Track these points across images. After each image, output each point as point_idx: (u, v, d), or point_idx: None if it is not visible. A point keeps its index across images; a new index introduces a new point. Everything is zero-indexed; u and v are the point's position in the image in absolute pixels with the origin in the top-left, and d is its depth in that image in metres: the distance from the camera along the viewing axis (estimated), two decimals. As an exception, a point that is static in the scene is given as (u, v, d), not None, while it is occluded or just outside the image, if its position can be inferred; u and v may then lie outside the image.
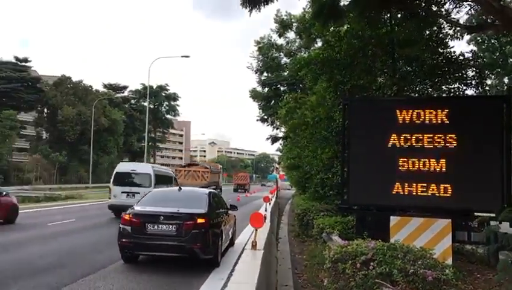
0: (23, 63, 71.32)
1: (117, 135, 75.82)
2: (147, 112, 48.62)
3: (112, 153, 74.64)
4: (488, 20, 11.69)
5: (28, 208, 23.66)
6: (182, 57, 47.01)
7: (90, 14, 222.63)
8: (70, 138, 66.56)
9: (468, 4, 7.65)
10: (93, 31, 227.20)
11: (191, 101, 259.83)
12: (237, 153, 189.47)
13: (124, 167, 20.47)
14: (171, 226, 8.81)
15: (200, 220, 8.86)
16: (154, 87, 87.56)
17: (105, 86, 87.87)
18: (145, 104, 71.35)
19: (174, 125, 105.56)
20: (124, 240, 8.98)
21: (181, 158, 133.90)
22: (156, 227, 8.83)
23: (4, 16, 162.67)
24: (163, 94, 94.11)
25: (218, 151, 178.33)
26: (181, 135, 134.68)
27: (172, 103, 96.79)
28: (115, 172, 19.41)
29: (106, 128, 70.30)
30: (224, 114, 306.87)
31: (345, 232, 9.92)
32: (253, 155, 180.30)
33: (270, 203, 16.72)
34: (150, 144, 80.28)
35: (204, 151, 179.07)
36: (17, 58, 71.62)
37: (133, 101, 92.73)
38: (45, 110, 73.16)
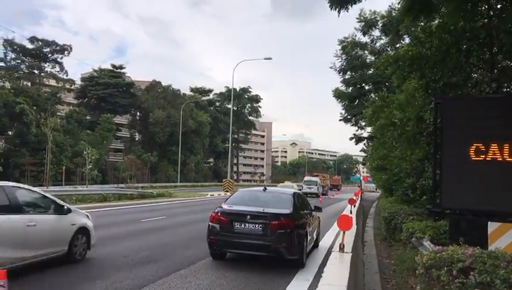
0: (119, 70, 77.07)
1: (203, 136, 79.11)
2: (231, 113, 49.98)
3: (198, 153, 77.95)
4: None
5: (123, 205, 25.51)
6: (265, 59, 47.67)
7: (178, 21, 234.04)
8: (160, 139, 70.73)
9: None
10: (180, 37, 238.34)
11: (273, 103, 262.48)
12: (318, 153, 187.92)
13: None
14: (257, 226, 8.98)
15: (285, 221, 8.93)
16: (238, 90, 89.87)
17: (192, 89, 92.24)
18: (229, 106, 73.47)
19: (256, 126, 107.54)
20: (212, 237, 9.32)
21: (262, 159, 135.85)
22: (242, 226, 9.04)
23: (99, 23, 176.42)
24: (246, 96, 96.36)
25: (299, 152, 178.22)
26: (263, 136, 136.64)
27: (254, 104, 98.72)
28: None
29: (193, 130, 73.65)
30: (306, 115, 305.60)
31: (436, 238, 9.39)
32: (335, 156, 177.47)
33: (355, 206, 16.41)
34: (233, 144, 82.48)
35: (286, 152, 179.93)
36: (113, 66, 77.67)
37: (217, 104, 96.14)
38: (138, 113, 78.49)
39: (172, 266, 8.94)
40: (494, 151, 8.29)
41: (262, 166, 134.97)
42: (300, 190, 36.26)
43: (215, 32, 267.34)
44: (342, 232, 6.45)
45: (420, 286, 5.54)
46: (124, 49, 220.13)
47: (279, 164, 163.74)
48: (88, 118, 68.34)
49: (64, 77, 67.91)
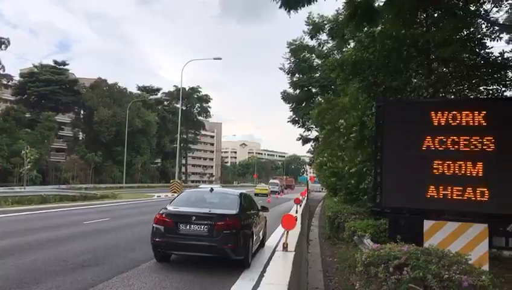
0: (62, 66, 73.88)
1: (150, 136, 77.48)
2: (180, 113, 49.39)
3: (145, 153, 76.26)
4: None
5: (65, 206, 24.51)
6: (214, 59, 47.46)
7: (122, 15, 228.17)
8: (105, 139, 68.49)
9: (509, 3, 7.39)
10: (126, 34, 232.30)
11: (223, 103, 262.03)
12: (268, 154, 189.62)
13: None
14: (202, 227, 8.93)
15: (231, 221, 8.95)
16: (187, 89, 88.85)
17: (139, 88, 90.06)
18: (178, 105, 72.45)
19: (205, 126, 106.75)
20: (157, 239, 9.16)
21: (212, 159, 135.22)
22: (188, 227, 8.96)
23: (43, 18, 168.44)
24: (196, 96, 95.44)
25: (249, 152, 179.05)
26: (212, 136, 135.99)
27: (204, 104, 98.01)
28: None
29: (140, 130, 71.94)
30: (256, 116, 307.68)
31: (377, 236, 9.78)
32: (284, 157, 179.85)
33: (300, 205, 16.70)
34: (182, 145, 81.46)
35: (235, 152, 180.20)
36: (55, 62, 74.34)
37: (166, 103, 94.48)
38: (82, 111, 75.60)
39: (114, 269, 8.69)
40: (430, 153, 8.71)
41: (212, 167, 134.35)
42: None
43: (165, 31, 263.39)
44: (285, 232, 6.54)
45: (359, 283, 5.71)
46: (68, 45, 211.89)
47: (228, 164, 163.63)
48: (28, 116, 64.93)
49: (1, 72, 64.07)
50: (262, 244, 12.03)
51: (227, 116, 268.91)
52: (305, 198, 28.31)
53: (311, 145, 41.10)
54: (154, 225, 9.32)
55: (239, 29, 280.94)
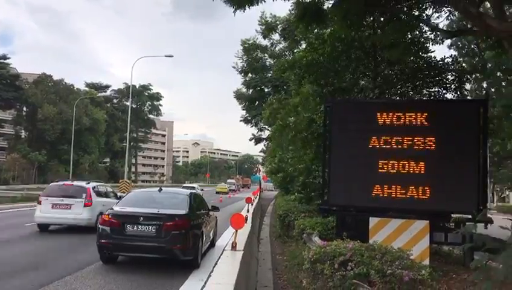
0: (2, 60, 69.88)
1: (98, 135, 75.06)
2: (129, 111, 48.01)
3: (93, 152, 73.82)
4: (469, 25, 11.91)
5: (4, 208, 23.25)
6: (166, 56, 46.60)
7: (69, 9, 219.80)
8: (50, 137, 65.59)
9: (448, 10, 7.77)
10: (75, 28, 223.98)
11: (175, 102, 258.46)
12: (221, 153, 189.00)
13: None
14: (150, 227, 8.75)
15: (180, 221, 8.83)
16: (137, 87, 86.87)
17: (87, 85, 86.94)
18: (128, 103, 70.60)
19: (156, 125, 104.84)
20: (102, 240, 8.89)
21: (163, 158, 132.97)
22: (135, 228, 8.76)
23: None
24: (146, 94, 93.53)
25: (201, 152, 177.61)
26: (163, 135, 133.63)
27: (155, 102, 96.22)
28: None
29: (88, 128, 69.50)
30: (209, 115, 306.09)
31: (325, 233, 9.97)
32: (237, 156, 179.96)
33: (252, 204, 16.75)
34: (131, 144, 79.53)
35: (187, 151, 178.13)
36: (-5, 55, 70.19)
37: (115, 101, 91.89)
38: (24, 108, 71.88)
39: (56, 273, 8.32)
40: (375, 152, 9.00)
41: (163, 166, 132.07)
42: (202, 189, 44.46)
43: (116, 27, 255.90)
44: (234, 231, 6.53)
45: (306, 280, 5.81)
46: (10, 38, 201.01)
47: (180, 164, 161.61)
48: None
49: None
50: (212, 244, 11.98)
51: (179, 115, 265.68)
52: (257, 197, 28.50)
53: (264, 145, 41.46)
54: (100, 225, 9.05)
55: (192, 27, 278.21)
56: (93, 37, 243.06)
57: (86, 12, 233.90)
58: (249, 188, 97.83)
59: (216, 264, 5.41)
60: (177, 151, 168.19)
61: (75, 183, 15.62)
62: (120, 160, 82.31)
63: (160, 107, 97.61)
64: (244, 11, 7.66)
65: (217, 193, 54.87)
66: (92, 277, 8.22)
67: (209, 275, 4.83)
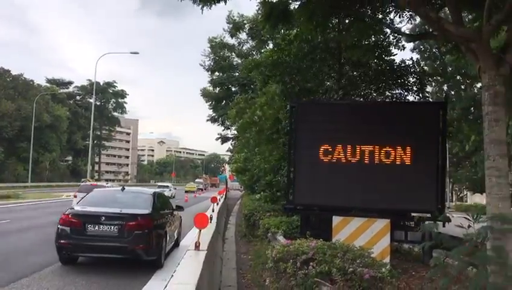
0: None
1: (60, 132, 72.86)
2: (93, 108, 47.01)
3: (54, 150, 71.61)
4: (431, 29, 12.27)
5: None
6: (131, 53, 45.75)
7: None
8: (8, 134, 63.09)
9: (409, 14, 7.98)
10: (36, 21, 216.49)
11: (141, 100, 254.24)
12: (187, 153, 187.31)
13: None
14: (112, 227, 8.56)
15: (143, 221, 8.68)
16: (101, 84, 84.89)
17: (48, 80, 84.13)
18: (91, 100, 68.88)
19: (121, 123, 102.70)
20: (62, 241, 8.63)
21: (128, 157, 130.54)
22: (96, 228, 8.54)
23: None
24: (111, 91, 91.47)
25: (167, 150, 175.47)
26: (128, 134, 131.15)
27: (120, 100, 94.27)
28: None
29: (48, 125, 67.37)
30: (175, 113, 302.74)
31: (289, 232, 10.05)
32: (204, 155, 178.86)
33: (217, 204, 16.68)
34: (95, 142, 77.68)
35: (153, 150, 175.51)
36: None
37: (78, 98, 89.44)
38: (-20, 104, 68.83)
39: (12, 275, 7.98)
40: (339, 152, 9.14)
41: (127, 165, 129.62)
42: (175, 188, 49.41)
43: (80, 22, 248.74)
44: (198, 231, 6.47)
45: (269, 279, 5.82)
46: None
47: (145, 162, 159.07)
48: None
49: None
50: (177, 244, 11.85)
51: (144, 113, 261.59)
52: (224, 197, 28.41)
53: (231, 144, 41.41)
54: (59, 225, 8.77)
55: (159, 24, 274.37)
56: (55, 32, 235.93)
57: (48, 5, 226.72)
58: (217, 187, 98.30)
59: (179, 264, 5.34)
60: (142, 149, 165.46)
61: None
62: (83, 158, 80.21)
63: (125, 105, 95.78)
64: (210, 8, 7.59)
65: (186, 191, 60.05)
66: (50, 279, 7.95)
67: (172, 276, 4.75)
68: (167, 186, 44.30)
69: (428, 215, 8.63)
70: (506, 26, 5.70)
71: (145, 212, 8.97)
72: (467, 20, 7.80)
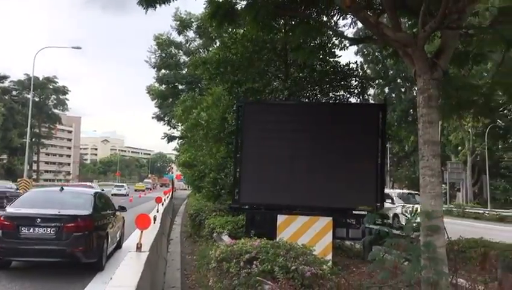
0: None
1: (-6, 129, 68.62)
2: (30, 104, 44.51)
3: (-13, 149, 67.36)
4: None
5: None
6: (73, 48, 43.82)
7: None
8: None
9: (351, 18, 8.24)
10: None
11: (84, 97, 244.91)
12: (132, 151, 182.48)
13: None
14: (49, 229, 8.17)
15: (83, 222, 8.36)
16: (41, 79, 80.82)
17: (-20, 74, 78.86)
18: (29, 96, 65.41)
19: (62, 120, 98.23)
20: (-8, 245, 8.12)
21: (69, 156, 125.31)
22: (31, 230, 8.12)
23: None
24: (51, 87, 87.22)
25: (111, 149, 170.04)
26: (70, 132, 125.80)
27: (61, 96, 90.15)
28: None
29: (-20, 121, 63.21)
30: (120, 111, 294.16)
31: (234, 232, 10.06)
32: (149, 154, 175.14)
33: (162, 204, 16.40)
34: (33, 140, 73.87)
35: (96, 149, 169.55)
36: None
37: (14, 93, 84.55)
38: None
39: None
40: (284, 152, 9.27)
41: (69, 164, 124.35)
42: (128, 188, 55.80)
43: (17, 11, 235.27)
44: (139, 232, 6.33)
45: (213, 279, 5.79)
46: None
47: (88, 162, 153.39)
48: None
49: None
50: (119, 245, 11.54)
51: (88, 110, 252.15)
52: (169, 197, 27.95)
53: (177, 143, 40.83)
54: (-11, 229, 8.23)
55: (103, 18, 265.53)
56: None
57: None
58: (168, 186, 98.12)
59: (119, 266, 5.19)
60: (85, 148, 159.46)
61: None
62: (20, 157, 75.91)
63: (66, 102, 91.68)
64: (155, 9, 7.45)
65: (136, 190, 64.25)
66: (-21, 286, 7.47)
67: (111, 278, 4.61)
68: (122, 186, 53.72)
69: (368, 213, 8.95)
70: (439, 33, 6.02)
71: (85, 213, 8.65)
72: (406, 26, 8.15)
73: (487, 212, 34.28)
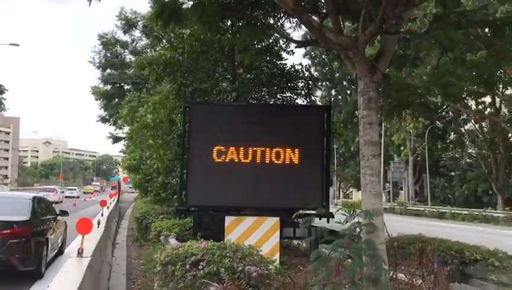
0: None
1: None
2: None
3: None
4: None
5: None
6: (11, 44, 41.59)
7: None
8: None
9: (295, 21, 8.37)
10: None
11: (23, 97, 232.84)
12: (76, 154, 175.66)
13: None
14: (-18, 237, 7.70)
15: (19, 229, 7.95)
16: (-25, 77, 76.14)
17: None
18: (-38, 95, 61.40)
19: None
20: None
21: (7, 158, 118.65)
22: (-38, 238, 7.61)
23: None
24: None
25: (54, 151, 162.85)
26: (8, 133, 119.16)
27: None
28: None
29: None
30: (63, 111, 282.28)
31: (182, 235, 9.93)
32: (95, 156, 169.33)
33: (108, 208, 15.93)
34: (-34, 142, 69.30)
35: (37, 151, 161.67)
36: None
37: None
38: None
39: None
40: (232, 153, 9.27)
41: (6, 167, 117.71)
42: (80, 190, 62.66)
43: None
44: (81, 237, 6.10)
45: (158, 283, 5.69)
46: None
47: (28, 164, 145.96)
48: None
49: None
50: (61, 251, 11.09)
51: (28, 110, 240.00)
52: (115, 200, 27.20)
53: (124, 144, 39.77)
54: None
55: (45, 13, 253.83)
56: None
57: None
58: (117, 189, 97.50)
59: (57, 273, 4.98)
60: (25, 150, 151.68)
61: None
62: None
63: (3, 101, 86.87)
64: (99, 1, 7.16)
65: (84, 193, 68.49)
66: None
67: (48, 286, 4.40)
68: (75, 189, 60.07)
69: (314, 212, 9.13)
70: (379, 37, 6.26)
71: (22, 219, 8.23)
72: (350, 30, 8.40)
73: (427, 209, 36.02)
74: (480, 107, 35.14)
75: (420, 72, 13.88)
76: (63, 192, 49.88)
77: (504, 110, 34.88)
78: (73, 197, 48.15)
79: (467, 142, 41.48)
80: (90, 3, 7.03)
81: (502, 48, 6.82)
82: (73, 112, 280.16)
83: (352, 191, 70.40)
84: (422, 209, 36.56)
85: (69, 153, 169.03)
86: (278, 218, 9.01)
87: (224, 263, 5.16)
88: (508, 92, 28.23)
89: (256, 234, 8.85)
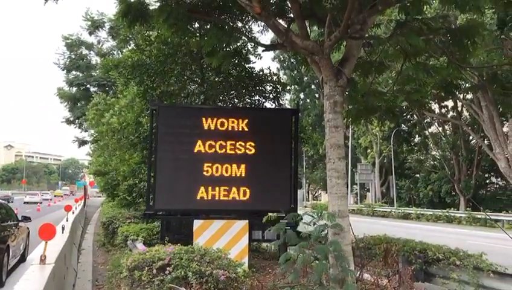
0: None
1: None
2: None
3: None
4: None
5: None
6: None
7: None
8: None
9: (263, 25, 8.42)
10: None
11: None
12: (40, 157, 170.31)
13: None
14: None
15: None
16: None
17: None
18: None
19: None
20: None
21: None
22: None
23: None
24: None
25: (16, 155, 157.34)
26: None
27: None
28: None
29: None
30: (26, 114, 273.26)
31: (149, 239, 9.81)
32: (60, 160, 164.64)
33: (73, 213, 15.53)
34: None
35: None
36: None
37: None
38: None
39: None
40: (200, 156, 9.23)
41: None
42: (52, 195, 68.68)
43: None
44: (44, 243, 5.92)
45: (124, 288, 5.59)
46: None
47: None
48: None
49: None
50: (23, 259, 10.74)
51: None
52: (81, 204, 26.55)
53: (90, 148, 38.91)
54: None
55: (8, 13, 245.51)
56: None
57: None
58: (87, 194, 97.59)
59: (18, 281, 4.80)
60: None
61: None
62: None
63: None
64: (56, 3, 6.98)
65: (55, 196, 72.47)
66: None
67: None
68: (47, 193, 68.23)
69: (283, 214, 9.20)
70: (343, 42, 6.38)
71: (-20, 226, 7.95)
72: (317, 35, 8.51)
73: (394, 210, 36.83)
74: (443, 110, 36.26)
75: (387, 77, 14.21)
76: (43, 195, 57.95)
77: (465, 113, 36.12)
78: (48, 199, 55.14)
79: (431, 145, 42.70)
80: (45, 2, 6.87)
81: (461, 56, 7.08)
82: (38, 114, 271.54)
83: (321, 194, 71.26)
84: (389, 210, 37.34)
85: (32, 157, 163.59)
86: (247, 221, 9.04)
87: (192, 267, 5.14)
88: (469, 96, 29.28)
89: (225, 237, 8.84)
